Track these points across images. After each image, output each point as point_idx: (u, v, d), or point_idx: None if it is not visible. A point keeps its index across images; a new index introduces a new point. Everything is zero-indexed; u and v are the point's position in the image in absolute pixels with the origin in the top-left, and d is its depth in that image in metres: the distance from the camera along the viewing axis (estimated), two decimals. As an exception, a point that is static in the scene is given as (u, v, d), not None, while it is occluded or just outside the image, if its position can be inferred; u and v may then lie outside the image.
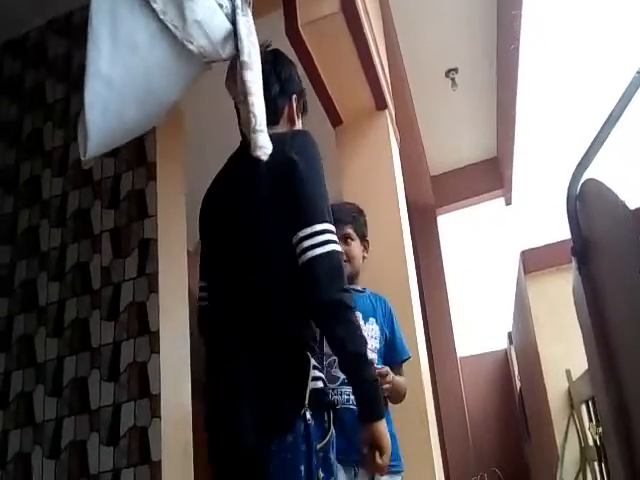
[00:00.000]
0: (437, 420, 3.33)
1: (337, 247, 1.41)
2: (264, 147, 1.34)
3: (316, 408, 1.34)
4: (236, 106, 1.58)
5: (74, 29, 3.01)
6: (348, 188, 3.37)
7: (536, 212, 7.68)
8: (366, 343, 1.43)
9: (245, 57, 1.35)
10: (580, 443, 3.01)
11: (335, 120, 3.45)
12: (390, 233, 3.21)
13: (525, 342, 4.20)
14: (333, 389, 1.93)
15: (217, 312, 1.57)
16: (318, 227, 1.39)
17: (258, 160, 1.42)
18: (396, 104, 3.81)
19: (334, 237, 1.41)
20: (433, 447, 2.87)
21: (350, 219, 2.19)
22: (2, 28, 3.11)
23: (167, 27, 1.31)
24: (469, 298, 7.50)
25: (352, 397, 1.85)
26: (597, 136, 1.44)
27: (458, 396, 6.43)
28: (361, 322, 2.02)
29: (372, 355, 1.99)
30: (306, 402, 1.31)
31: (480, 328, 7.64)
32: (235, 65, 1.41)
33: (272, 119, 1.59)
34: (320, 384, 1.40)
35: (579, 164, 1.44)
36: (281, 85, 1.66)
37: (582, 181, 1.40)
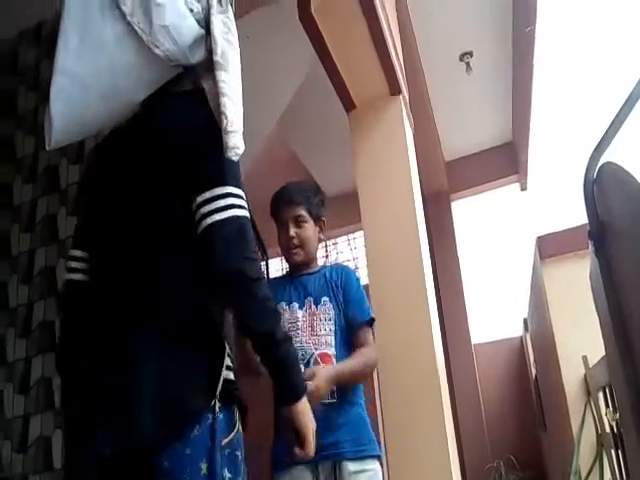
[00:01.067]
0: (452, 408, 3.32)
1: (240, 212, 1.23)
2: (235, 148, 1.27)
3: (226, 401, 1.19)
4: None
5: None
6: (361, 173, 3.35)
7: (552, 197, 7.61)
8: (277, 319, 1.26)
9: (218, 57, 1.32)
10: (596, 430, 2.99)
11: (349, 105, 3.42)
12: (404, 219, 3.19)
13: (541, 329, 4.17)
14: None
15: (102, 288, 1.35)
16: (219, 190, 1.23)
17: (152, 122, 1.34)
18: (410, 89, 3.77)
19: (239, 201, 1.23)
20: (448, 435, 2.86)
21: (302, 199, 2.08)
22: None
23: (134, 30, 1.31)
24: (484, 285, 7.46)
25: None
26: (615, 118, 1.41)
27: (473, 383, 6.43)
28: (313, 306, 1.98)
29: (329, 338, 1.94)
30: (217, 393, 1.17)
31: (495, 315, 7.60)
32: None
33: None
34: (231, 375, 1.25)
35: (597, 147, 1.41)
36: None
37: (600, 165, 1.37)
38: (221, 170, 1.25)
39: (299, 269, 2.10)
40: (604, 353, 2.01)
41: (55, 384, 2.48)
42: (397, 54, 3.46)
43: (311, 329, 1.95)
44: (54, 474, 2.36)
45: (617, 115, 1.40)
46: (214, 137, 1.24)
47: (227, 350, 1.25)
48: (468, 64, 5.12)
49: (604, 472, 2.88)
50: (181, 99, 1.39)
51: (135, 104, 1.39)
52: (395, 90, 3.37)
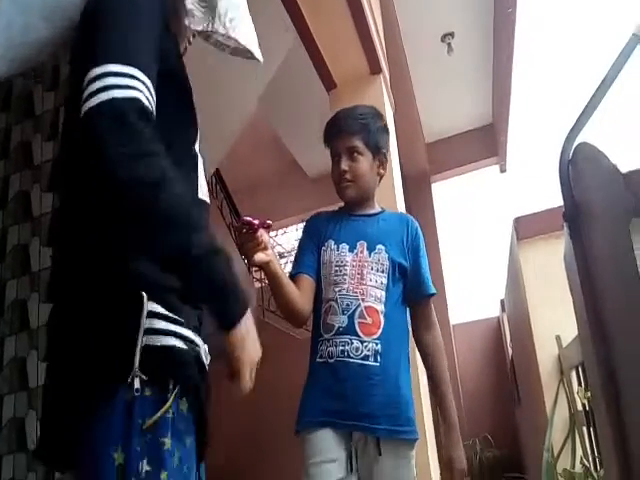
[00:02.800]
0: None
1: (120, 93, 0.85)
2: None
3: (155, 374, 0.89)
4: None
5: None
6: (341, 155, 3.34)
7: (531, 179, 7.67)
8: (191, 227, 0.90)
9: None
10: (569, 408, 3.05)
11: (329, 84, 3.41)
12: (384, 200, 3.16)
13: (517, 309, 4.23)
14: (327, 339, 1.66)
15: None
16: (97, 70, 0.86)
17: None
18: (391, 69, 3.76)
19: (118, 80, 0.86)
20: (425, 414, 2.90)
21: (358, 127, 1.78)
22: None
23: None
24: (463, 265, 7.53)
25: (348, 348, 1.63)
26: (591, 99, 1.42)
27: (450, 363, 6.48)
28: (365, 252, 1.73)
29: (378, 292, 1.70)
30: (135, 365, 0.86)
31: (473, 295, 7.68)
32: None
33: None
34: (171, 341, 0.91)
35: (572, 128, 1.42)
36: None
37: (575, 146, 1.38)
38: (109, 45, 0.91)
39: (354, 208, 1.81)
40: (577, 333, 2.05)
41: (29, 363, 2.45)
42: (378, 33, 3.44)
43: (360, 277, 1.70)
44: (28, 455, 2.35)
45: (592, 97, 1.41)
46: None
47: (153, 309, 0.91)
48: (449, 45, 5.12)
49: (576, 449, 2.94)
50: None
51: (74, 21, 1.15)
52: (375, 69, 3.35)
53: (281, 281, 1.62)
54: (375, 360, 1.64)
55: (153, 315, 0.91)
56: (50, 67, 2.84)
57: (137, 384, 0.86)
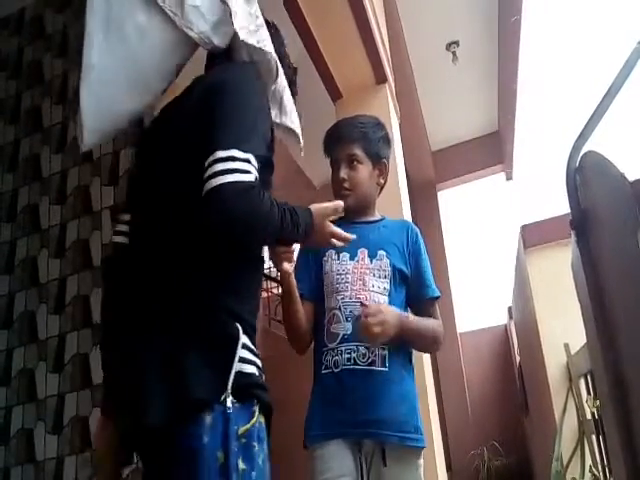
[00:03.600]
0: (437, 395, 3.36)
1: (242, 177, 1.11)
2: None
3: (242, 396, 1.11)
4: None
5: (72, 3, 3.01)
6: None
7: (537, 187, 7.66)
8: (278, 220, 1.17)
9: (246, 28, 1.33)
10: (578, 417, 3.03)
11: (335, 94, 3.43)
12: (390, 209, 3.18)
13: (525, 317, 4.22)
14: (332, 349, 1.66)
15: (132, 257, 1.31)
16: (220, 154, 1.12)
17: (193, 89, 1.32)
18: (396, 78, 3.78)
19: (243, 165, 1.12)
20: (432, 422, 2.90)
21: (358, 136, 1.79)
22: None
23: (160, 15, 1.30)
24: (469, 274, 7.51)
25: (355, 355, 1.62)
26: (597, 108, 1.42)
27: (458, 371, 6.49)
28: (367, 259, 1.73)
29: (381, 298, 1.69)
30: (228, 388, 1.08)
31: (480, 304, 7.66)
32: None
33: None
34: (250, 368, 1.15)
35: (579, 136, 1.43)
36: None
37: (582, 154, 1.38)
38: (232, 133, 1.17)
39: (354, 216, 1.79)
40: (585, 341, 2.04)
41: (37, 375, 2.46)
42: (383, 42, 3.46)
43: (362, 283, 1.70)
44: (36, 465, 2.35)
45: (599, 105, 1.42)
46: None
47: (244, 341, 1.14)
48: (454, 53, 5.13)
49: (585, 458, 2.92)
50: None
51: (161, 91, 1.37)
52: (381, 79, 3.37)
53: (294, 297, 1.65)
54: (383, 365, 1.64)
55: (243, 347, 1.14)
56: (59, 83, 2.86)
57: (229, 402, 1.07)
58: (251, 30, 1.36)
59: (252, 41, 1.34)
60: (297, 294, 1.66)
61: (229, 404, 1.07)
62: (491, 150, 6.77)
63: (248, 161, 1.13)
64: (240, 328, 1.14)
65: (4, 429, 2.52)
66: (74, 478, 2.34)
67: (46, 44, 2.98)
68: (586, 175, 1.42)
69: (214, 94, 1.23)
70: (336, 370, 1.64)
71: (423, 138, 6.21)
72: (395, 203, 3.23)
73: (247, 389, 1.12)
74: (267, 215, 1.14)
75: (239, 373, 1.11)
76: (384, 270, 1.73)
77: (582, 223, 1.48)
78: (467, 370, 6.65)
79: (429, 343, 1.79)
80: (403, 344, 1.70)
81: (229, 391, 1.08)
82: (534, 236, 3.35)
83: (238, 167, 1.11)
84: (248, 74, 1.30)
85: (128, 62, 1.32)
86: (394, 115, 3.48)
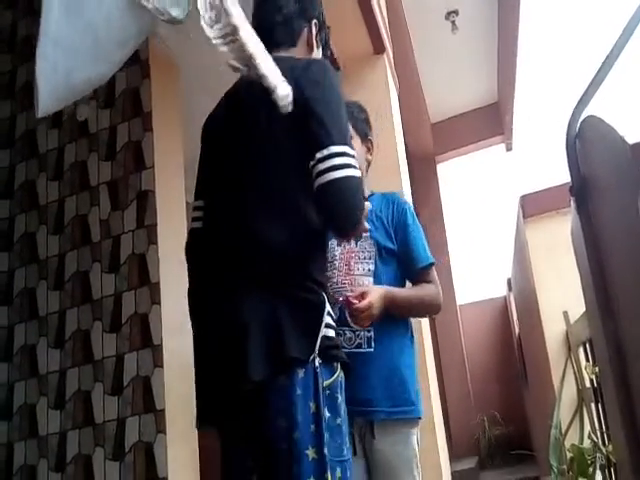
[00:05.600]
0: (437, 367, 3.39)
1: (356, 172, 1.30)
2: (288, 95, 1.30)
3: (326, 358, 1.29)
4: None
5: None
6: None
7: (537, 158, 7.63)
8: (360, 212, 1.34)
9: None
10: (577, 385, 3.06)
11: (332, 65, 3.38)
12: (389, 181, 3.18)
13: (524, 287, 4.23)
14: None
15: (215, 237, 1.44)
16: (335, 149, 1.29)
17: (262, 87, 1.35)
18: (395, 49, 3.73)
19: (354, 161, 1.31)
20: (432, 392, 2.92)
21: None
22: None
23: None
24: (469, 246, 7.52)
25: (342, 339, 1.67)
26: (597, 73, 1.40)
27: (457, 343, 6.53)
28: (352, 242, 1.78)
29: (366, 280, 1.74)
30: (316, 350, 1.26)
31: (480, 276, 7.68)
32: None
33: (289, 41, 1.53)
34: (331, 332, 1.34)
35: (579, 102, 1.41)
36: (300, 5, 1.56)
37: (581, 119, 1.37)
38: (338, 129, 1.33)
39: None
40: (585, 309, 2.05)
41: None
42: (381, 11, 3.41)
43: (347, 268, 1.76)
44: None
45: (599, 70, 1.40)
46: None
47: (328, 309, 1.33)
48: (454, 23, 5.06)
49: (584, 425, 2.96)
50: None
51: (119, 62, 1.38)
52: (379, 49, 3.33)
53: None
54: (369, 346, 1.70)
55: (327, 313, 1.32)
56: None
57: (317, 362, 1.26)
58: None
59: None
60: None
61: (317, 363, 1.26)
62: (491, 121, 6.73)
63: (355, 157, 1.32)
64: (325, 296, 1.33)
65: (7, 405, 2.53)
66: (77, 453, 2.37)
67: (39, 19, 2.93)
68: (586, 141, 1.41)
69: (310, 90, 1.34)
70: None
71: (422, 110, 6.16)
72: (394, 175, 3.21)
73: (330, 350, 1.30)
74: (363, 209, 1.33)
75: (324, 337, 1.29)
76: (369, 251, 1.77)
77: (582, 189, 1.47)
78: (467, 342, 6.69)
79: (424, 310, 1.88)
80: (392, 322, 1.74)
81: (317, 352, 1.26)
82: (533, 206, 3.34)
83: (352, 162, 1.30)
84: (331, 71, 1.43)
85: (86, 31, 1.33)
86: (393, 86, 3.45)
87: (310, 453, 1.21)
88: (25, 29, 2.96)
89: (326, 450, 1.21)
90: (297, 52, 1.54)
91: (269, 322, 1.27)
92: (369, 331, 1.70)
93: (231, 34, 1.31)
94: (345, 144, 1.31)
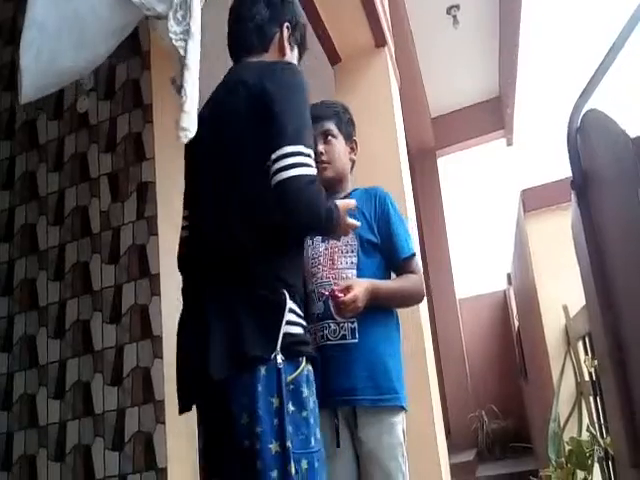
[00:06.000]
0: (436, 360, 3.39)
1: (308, 170, 1.33)
2: (187, 130, 1.33)
3: (290, 354, 1.31)
4: None
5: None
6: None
7: (538, 153, 7.62)
8: (324, 213, 1.37)
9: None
10: (576, 379, 3.06)
11: (333, 58, 3.38)
12: (389, 175, 3.18)
13: (524, 281, 4.23)
14: (311, 328, 1.75)
15: (193, 243, 1.52)
16: (289, 149, 1.32)
17: (238, 91, 1.42)
18: (396, 42, 3.72)
19: (308, 160, 1.34)
20: (431, 386, 2.92)
21: (330, 113, 1.92)
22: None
23: None
24: (469, 240, 7.52)
25: (327, 332, 1.75)
26: (600, 66, 1.40)
27: (457, 337, 6.54)
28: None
29: (349, 273, 1.79)
30: (278, 347, 1.29)
31: (480, 270, 7.68)
32: None
33: (259, 47, 1.57)
34: (295, 329, 1.36)
35: (581, 94, 1.41)
36: (271, 11, 1.60)
37: (583, 112, 1.37)
38: (293, 130, 1.36)
39: (329, 193, 1.86)
40: (584, 302, 2.05)
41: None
42: (383, 5, 3.40)
43: (331, 262, 1.81)
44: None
45: (602, 63, 1.39)
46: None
47: (290, 306, 1.34)
48: (455, 17, 5.05)
49: (582, 418, 2.96)
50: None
51: (105, 52, 1.39)
52: (380, 42, 3.32)
53: None
54: (353, 337, 1.75)
55: (290, 311, 1.34)
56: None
57: (279, 359, 1.28)
58: None
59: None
60: None
61: (279, 360, 1.28)
62: (492, 116, 6.71)
63: (310, 156, 1.34)
64: (287, 294, 1.34)
65: (7, 395, 2.54)
66: (77, 443, 2.38)
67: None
68: (587, 134, 1.41)
69: (268, 94, 1.38)
70: (314, 355, 1.76)
71: (423, 104, 6.14)
72: (394, 169, 3.21)
73: (293, 346, 1.33)
74: (326, 207, 1.35)
75: (287, 334, 1.31)
76: (351, 245, 1.82)
77: (583, 183, 1.47)
78: (466, 335, 6.70)
79: (406, 300, 1.89)
80: (376, 313, 1.77)
81: (278, 349, 1.28)
82: (534, 200, 3.34)
83: (305, 161, 1.32)
84: (293, 71, 1.45)
85: (72, 19, 1.33)
86: (394, 79, 3.44)
87: (273, 447, 1.23)
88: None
89: (289, 443, 1.24)
90: (269, 57, 1.57)
91: (231, 322, 1.31)
92: (353, 322, 1.75)
93: (185, 38, 1.34)
94: (300, 144, 1.33)
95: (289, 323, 1.33)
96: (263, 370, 1.27)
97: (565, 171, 1.61)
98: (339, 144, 1.91)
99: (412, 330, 2.92)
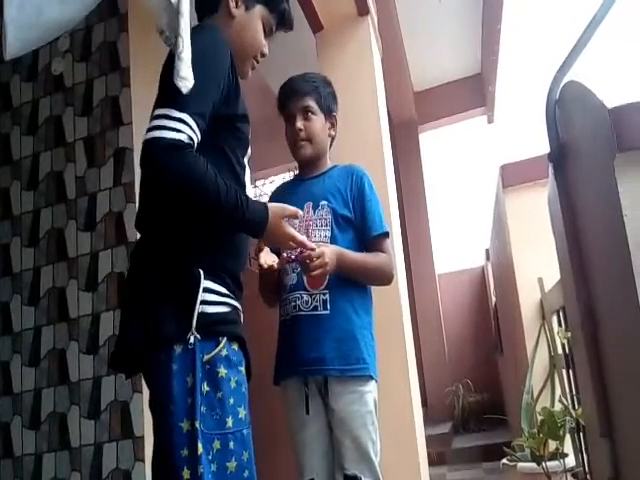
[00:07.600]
0: (414, 335, 3.42)
1: (165, 133, 1.23)
2: (186, 79, 1.27)
3: (207, 334, 1.29)
4: None
5: None
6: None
7: (518, 131, 7.63)
8: (215, 187, 1.28)
9: None
10: (549, 352, 3.12)
11: (316, 26, 3.33)
12: (370, 147, 3.16)
13: (501, 256, 4.27)
14: (285, 299, 1.81)
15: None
16: (156, 112, 1.26)
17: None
18: (379, 12, 3.68)
19: (171, 122, 1.24)
20: (409, 360, 2.95)
21: (309, 89, 1.89)
22: None
23: None
24: (449, 216, 7.56)
25: (299, 303, 1.77)
26: (580, 38, 1.40)
27: (435, 311, 6.61)
28: (311, 211, 1.84)
29: (325, 247, 1.74)
30: (193, 327, 1.27)
31: (459, 246, 7.74)
32: None
33: (209, 8, 1.52)
34: (214, 308, 1.32)
35: (560, 67, 1.41)
36: None
37: (562, 84, 1.37)
38: (170, 93, 1.28)
39: (307, 169, 1.95)
40: (559, 276, 2.07)
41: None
42: (366, -28, 3.35)
43: (306, 234, 1.78)
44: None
45: (581, 36, 1.39)
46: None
47: (205, 285, 1.31)
48: (440, -9, 5.00)
49: (555, 390, 3.03)
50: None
51: (92, 5, 1.34)
52: (363, 10, 3.28)
53: (272, 278, 1.79)
54: (325, 308, 1.76)
55: (206, 290, 1.30)
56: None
57: (192, 339, 1.26)
58: None
59: None
60: (274, 276, 1.79)
61: (192, 340, 1.26)
62: (473, 92, 6.71)
63: (182, 120, 1.25)
64: (202, 274, 1.31)
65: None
66: (52, 411, 2.37)
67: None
68: (566, 106, 1.41)
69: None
70: (287, 318, 1.80)
71: (406, 77, 6.11)
72: (376, 142, 3.19)
73: (211, 326, 1.30)
74: (199, 175, 1.26)
75: (203, 313, 1.29)
76: (325, 219, 1.83)
77: (560, 155, 1.47)
78: (444, 311, 6.78)
79: (370, 275, 1.86)
80: (348, 285, 1.79)
81: (193, 329, 1.27)
82: (513, 176, 3.36)
83: (166, 124, 1.23)
84: (199, 35, 1.35)
85: None
86: (376, 49, 3.40)
87: (184, 425, 1.23)
88: None
89: (199, 423, 1.23)
90: (219, 18, 1.51)
91: (148, 302, 1.32)
92: (325, 294, 1.77)
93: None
94: (169, 107, 1.25)
95: (206, 303, 1.30)
96: (179, 349, 1.26)
97: (545, 149, 1.61)
98: (318, 121, 1.89)
99: (390, 304, 2.94)
